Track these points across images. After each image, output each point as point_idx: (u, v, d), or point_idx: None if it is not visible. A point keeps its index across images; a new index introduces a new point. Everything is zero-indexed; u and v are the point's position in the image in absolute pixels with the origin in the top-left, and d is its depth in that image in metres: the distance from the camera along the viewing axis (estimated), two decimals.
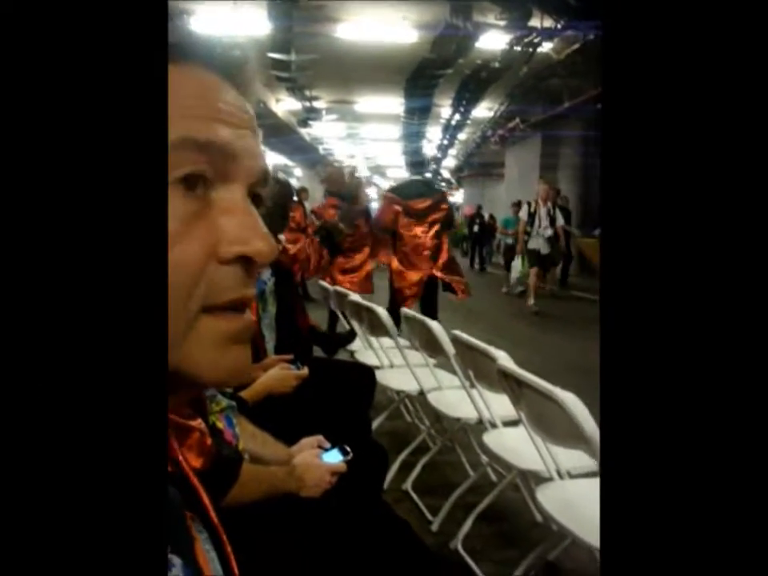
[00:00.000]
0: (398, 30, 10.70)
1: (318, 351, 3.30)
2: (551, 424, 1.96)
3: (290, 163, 27.84)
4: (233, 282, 0.45)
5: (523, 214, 10.11)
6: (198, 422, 1.09)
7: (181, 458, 0.61)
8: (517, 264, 10.98)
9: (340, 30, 10.77)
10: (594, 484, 2.02)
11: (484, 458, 3.18)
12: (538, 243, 9.88)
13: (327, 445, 1.72)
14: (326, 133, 22.75)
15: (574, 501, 1.95)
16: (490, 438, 2.51)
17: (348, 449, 1.70)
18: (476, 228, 18.77)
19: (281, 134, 20.64)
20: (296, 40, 11.06)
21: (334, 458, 1.67)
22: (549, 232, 9.83)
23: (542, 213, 9.82)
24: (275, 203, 2.38)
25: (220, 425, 1.41)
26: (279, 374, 2.07)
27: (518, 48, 10.68)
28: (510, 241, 11.96)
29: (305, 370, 2.12)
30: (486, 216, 21.24)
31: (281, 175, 2.78)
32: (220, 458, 1.22)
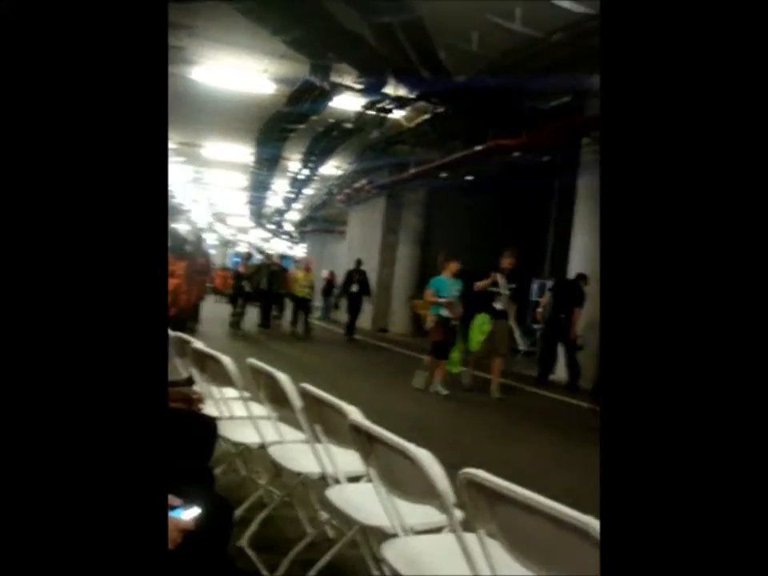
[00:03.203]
0: (255, 81, 10.74)
1: None
2: (402, 480, 1.97)
3: None
4: None
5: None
6: None
7: None
8: None
9: (195, 72, 10.66)
10: (439, 539, 2.05)
11: (322, 514, 3.14)
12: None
13: (177, 503, 1.62)
14: (171, 175, 22.23)
15: (419, 556, 1.95)
16: (333, 493, 2.48)
17: (195, 507, 1.62)
18: (354, 288, 15.17)
19: None
20: None
21: (180, 515, 1.59)
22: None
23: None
24: None
25: None
26: None
27: (371, 112, 11.05)
28: (444, 313, 8.28)
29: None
30: (326, 273, 21.06)
31: None
32: None
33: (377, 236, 17.81)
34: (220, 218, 37.85)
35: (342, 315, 17.58)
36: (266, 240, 42.63)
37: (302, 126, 12.82)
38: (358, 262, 15.67)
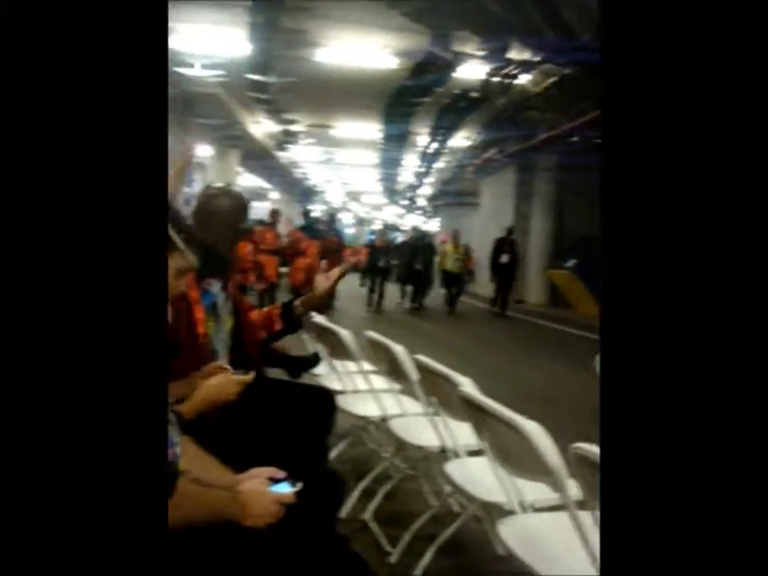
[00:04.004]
0: (377, 57, 10.73)
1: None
2: (514, 454, 1.88)
3: (266, 186, 27.82)
4: None
5: None
6: None
7: None
8: None
9: (319, 54, 10.78)
10: (557, 518, 1.95)
11: (447, 488, 3.09)
12: None
13: (281, 476, 1.61)
14: (303, 156, 22.76)
15: (536, 535, 1.86)
16: (453, 468, 2.42)
17: (299, 482, 1.60)
18: (504, 258, 13.88)
19: (257, 156, 20.62)
20: (276, 62, 11.07)
21: (282, 489, 1.57)
22: None
23: None
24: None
25: None
26: (219, 381, 1.86)
27: (497, 79, 10.77)
28: None
29: (249, 375, 1.90)
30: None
31: (231, 188, 2.71)
32: None
33: (509, 206, 17.45)
34: (354, 196, 38.45)
35: (480, 287, 17.37)
36: (400, 216, 42.94)
37: (427, 99, 12.73)
38: (509, 231, 14.22)
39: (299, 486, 1.58)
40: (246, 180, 24.21)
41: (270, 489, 1.54)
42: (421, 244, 14.93)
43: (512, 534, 1.86)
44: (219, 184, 2.81)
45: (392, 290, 15.19)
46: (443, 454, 2.65)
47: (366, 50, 10.60)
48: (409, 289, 14.85)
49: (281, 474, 1.61)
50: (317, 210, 21.93)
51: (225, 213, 2.47)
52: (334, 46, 10.58)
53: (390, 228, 27.30)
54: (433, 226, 35.74)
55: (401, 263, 14.87)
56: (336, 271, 2.88)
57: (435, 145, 17.77)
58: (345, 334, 3.15)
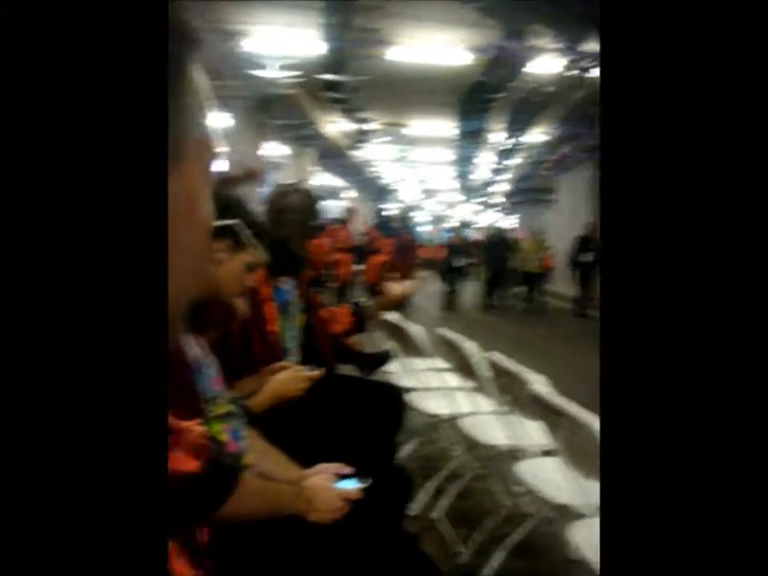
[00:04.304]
0: (450, 53, 10.65)
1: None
2: (587, 455, 1.83)
3: (341, 184, 28.03)
4: None
5: None
6: (193, 423, 1.01)
7: None
8: None
9: (392, 52, 10.77)
10: None
11: (518, 488, 3.04)
12: None
13: (348, 471, 1.60)
14: (378, 155, 22.82)
15: None
16: (524, 468, 2.38)
17: (367, 478, 1.59)
18: (587, 256, 13.08)
19: (333, 155, 20.81)
20: (349, 62, 11.13)
21: (349, 485, 1.57)
22: None
23: None
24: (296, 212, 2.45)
25: (224, 437, 1.33)
26: (287, 376, 1.89)
27: (572, 72, 10.55)
28: None
29: (317, 372, 1.93)
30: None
31: (302, 185, 2.72)
32: (217, 465, 1.14)
33: (586, 203, 17.08)
34: (429, 194, 38.36)
35: (558, 285, 17.03)
36: (476, 213, 42.57)
37: (501, 95, 12.57)
38: (592, 228, 13.43)
39: (368, 482, 1.57)
40: (322, 179, 24.48)
41: (336, 484, 1.53)
42: (498, 241, 14.72)
43: (584, 537, 1.81)
44: (290, 181, 2.84)
45: (470, 289, 15.05)
46: (515, 453, 2.60)
47: (439, 46, 10.52)
48: (487, 287, 14.65)
49: (348, 469, 1.60)
50: (392, 208, 21.96)
51: (296, 209, 2.49)
52: (407, 43, 10.54)
53: (467, 225, 27.07)
54: (510, 222, 35.34)
55: (479, 261, 14.71)
56: (410, 284, 2.92)
57: (511, 141, 17.54)
58: (416, 330, 3.13)
